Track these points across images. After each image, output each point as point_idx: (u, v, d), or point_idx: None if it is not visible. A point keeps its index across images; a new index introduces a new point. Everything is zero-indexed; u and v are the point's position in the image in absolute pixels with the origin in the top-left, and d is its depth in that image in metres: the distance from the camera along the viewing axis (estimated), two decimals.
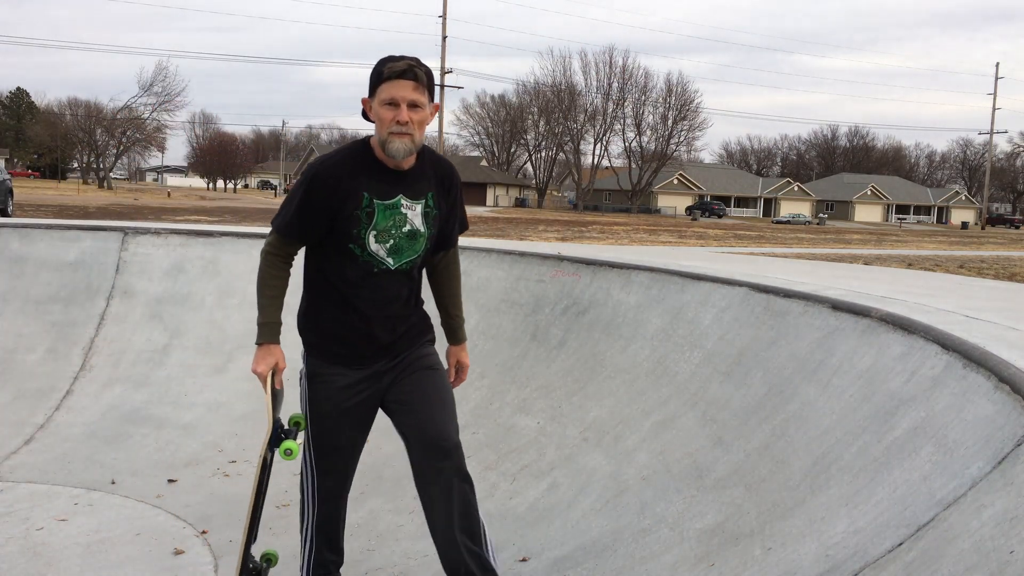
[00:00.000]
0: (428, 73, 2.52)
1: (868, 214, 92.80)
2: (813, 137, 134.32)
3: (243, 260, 5.98)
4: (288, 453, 2.56)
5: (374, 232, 2.53)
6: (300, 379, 2.82)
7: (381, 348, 2.67)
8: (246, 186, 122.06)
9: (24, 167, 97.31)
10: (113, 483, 4.11)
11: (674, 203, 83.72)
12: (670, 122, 79.05)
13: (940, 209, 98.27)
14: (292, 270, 2.71)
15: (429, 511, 2.65)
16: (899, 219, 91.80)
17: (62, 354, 5.37)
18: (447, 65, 52.60)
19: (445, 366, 2.86)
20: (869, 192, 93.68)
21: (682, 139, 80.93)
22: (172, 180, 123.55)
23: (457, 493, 2.58)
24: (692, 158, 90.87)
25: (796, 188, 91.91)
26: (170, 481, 4.15)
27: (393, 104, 2.44)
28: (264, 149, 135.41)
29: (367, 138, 2.60)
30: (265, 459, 2.65)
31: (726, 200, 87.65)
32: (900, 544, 2.07)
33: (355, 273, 2.58)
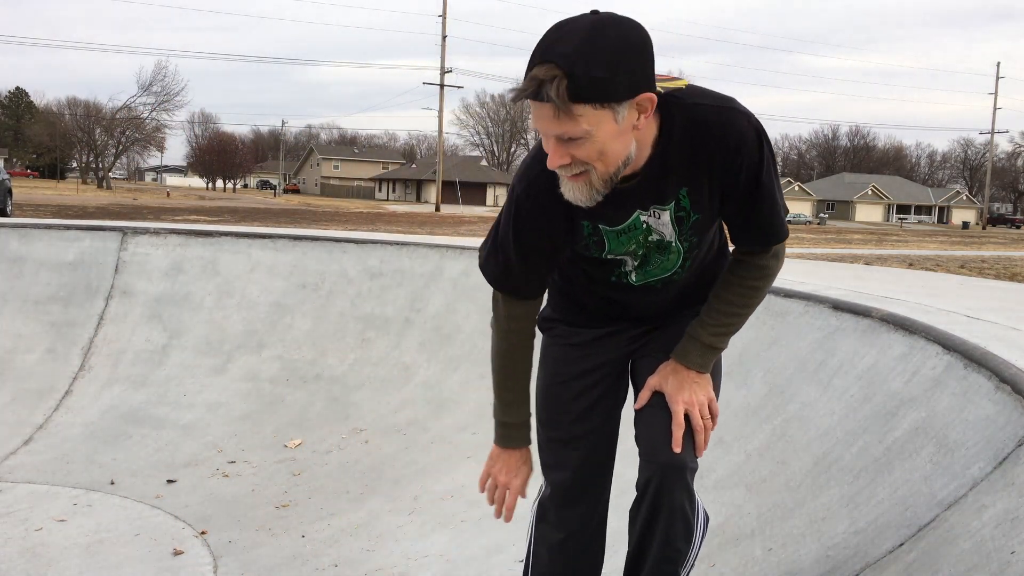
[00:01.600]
0: (581, 79, 1.48)
1: (869, 214, 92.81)
2: (814, 137, 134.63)
3: (242, 260, 5.98)
4: None
5: (608, 255, 1.86)
6: None
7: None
8: (245, 186, 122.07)
9: (23, 167, 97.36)
10: (112, 483, 4.10)
11: None
12: None
13: (941, 209, 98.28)
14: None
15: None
16: (900, 219, 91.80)
17: (61, 354, 5.37)
18: (447, 65, 52.64)
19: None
20: (870, 192, 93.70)
21: None
22: (171, 180, 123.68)
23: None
24: None
25: (797, 188, 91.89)
26: (169, 481, 4.15)
27: (544, 136, 1.60)
28: (264, 149, 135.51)
29: None
30: None
31: None
32: (901, 545, 2.06)
33: None
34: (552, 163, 1.59)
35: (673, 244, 1.81)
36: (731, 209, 1.77)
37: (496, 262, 1.90)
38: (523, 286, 1.92)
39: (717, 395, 1.94)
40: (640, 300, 1.95)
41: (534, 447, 2.14)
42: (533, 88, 1.50)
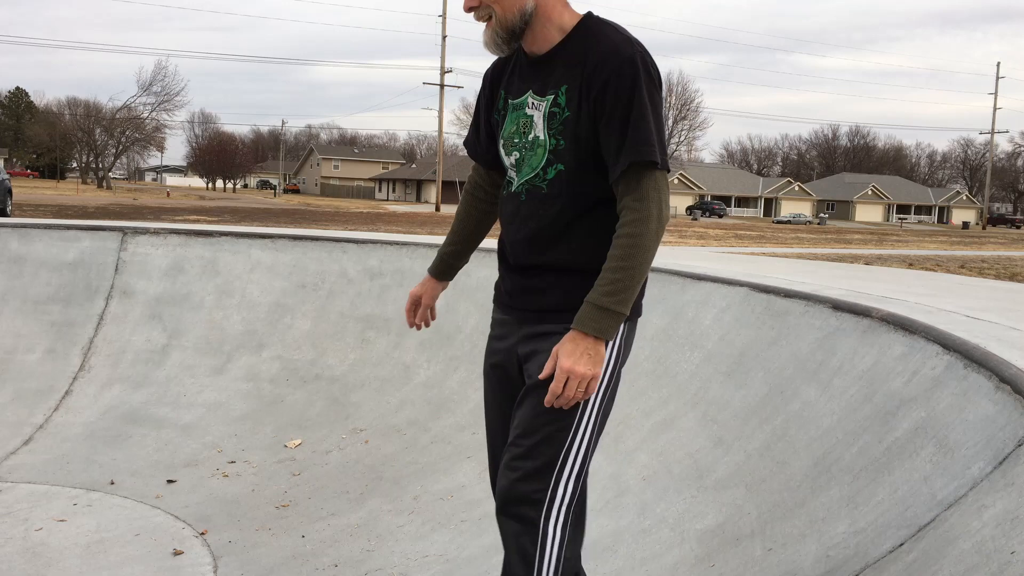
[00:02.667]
0: None
1: (869, 214, 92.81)
2: (814, 137, 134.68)
3: (242, 260, 5.98)
4: None
5: (502, 141, 2.06)
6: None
7: (506, 294, 2.10)
8: (245, 186, 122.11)
9: (23, 167, 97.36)
10: (112, 483, 4.10)
11: (675, 203, 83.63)
12: (671, 122, 79.20)
13: (941, 209, 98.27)
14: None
15: None
16: (900, 219, 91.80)
17: (61, 354, 5.37)
18: (447, 65, 52.63)
19: None
20: (870, 192, 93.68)
21: (683, 139, 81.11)
22: (171, 180, 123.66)
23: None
24: (693, 158, 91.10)
25: (797, 188, 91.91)
26: (169, 481, 4.15)
27: None
28: (263, 149, 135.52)
29: None
30: None
31: (727, 200, 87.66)
32: (901, 545, 2.06)
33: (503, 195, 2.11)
34: (465, 5, 1.92)
35: (541, 138, 1.94)
36: (602, 126, 1.86)
37: (469, 131, 2.23)
38: (476, 149, 2.21)
39: (605, 383, 1.93)
40: (513, 224, 2.03)
41: None
42: None
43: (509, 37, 1.92)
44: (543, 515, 1.89)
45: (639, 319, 2.03)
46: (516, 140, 2.00)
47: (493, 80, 2.09)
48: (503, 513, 1.93)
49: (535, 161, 1.95)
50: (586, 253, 1.93)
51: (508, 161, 2.04)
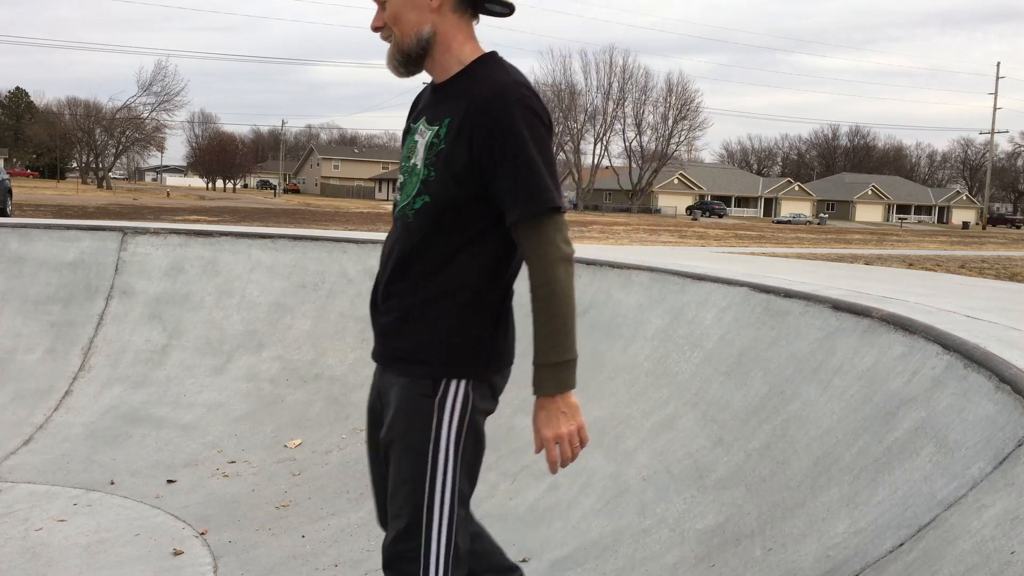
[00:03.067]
0: None
1: (869, 214, 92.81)
2: (814, 137, 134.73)
3: (242, 260, 5.98)
4: None
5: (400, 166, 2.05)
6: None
7: (376, 336, 2.01)
8: (245, 186, 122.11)
9: (23, 167, 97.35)
10: (112, 483, 4.10)
11: (674, 203, 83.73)
12: (670, 122, 79.16)
13: (941, 209, 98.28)
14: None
15: None
16: (900, 219, 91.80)
17: (61, 354, 5.37)
18: None
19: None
20: (870, 192, 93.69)
21: (682, 139, 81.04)
22: (171, 180, 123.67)
23: None
24: (692, 158, 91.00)
25: (797, 188, 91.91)
26: (169, 481, 4.15)
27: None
28: (263, 149, 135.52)
29: None
30: None
31: (727, 200, 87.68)
32: (901, 545, 2.06)
33: None
34: (371, 25, 1.93)
35: (418, 167, 1.90)
36: (489, 170, 1.81)
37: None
38: None
39: (447, 433, 1.88)
40: (384, 249, 2.00)
41: None
42: None
43: (405, 60, 1.91)
44: (421, 571, 1.88)
45: (501, 369, 1.96)
46: (403, 164, 1.98)
47: (413, 102, 2.09)
48: (387, 569, 1.94)
49: (409, 189, 1.92)
50: (435, 300, 1.87)
51: (398, 183, 2.02)
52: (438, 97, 1.92)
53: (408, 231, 1.90)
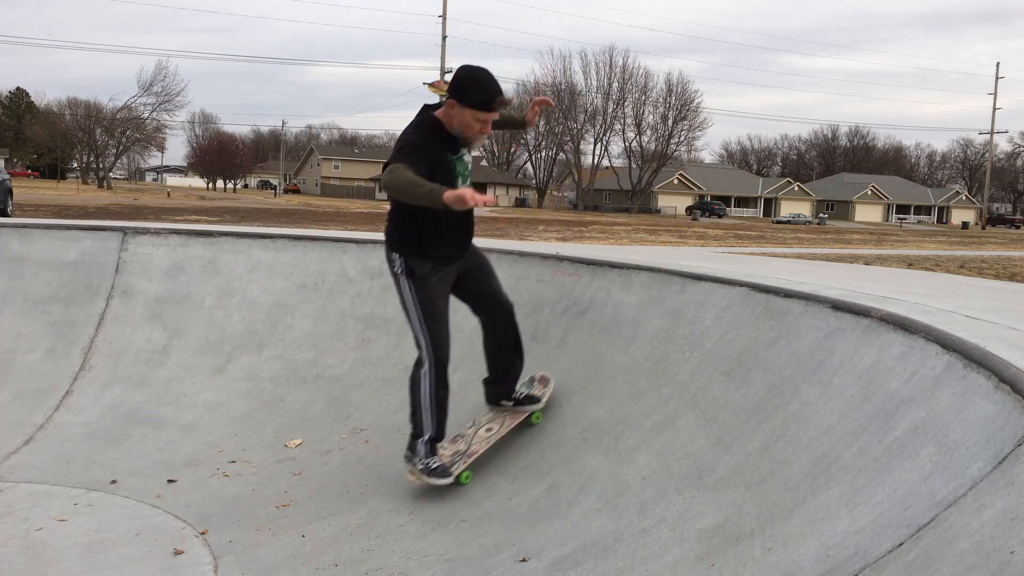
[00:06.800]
0: None
1: (868, 214, 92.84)
2: (813, 137, 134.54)
3: (243, 260, 5.98)
4: None
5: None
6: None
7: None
8: (246, 186, 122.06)
9: (23, 167, 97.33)
10: (113, 483, 4.10)
11: (674, 203, 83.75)
12: (670, 122, 79.07)
13: (940, 209, 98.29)
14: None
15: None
16: (899, 219, 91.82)
17: (62, 354, 5.37)
18: (447, 65, 52.60)
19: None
20: (869, 192, 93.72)
21: (682, 139, 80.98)
22: (171, 180, 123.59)
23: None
24: (692, 158, 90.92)
25: (796, 188, 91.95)
26: (170, 481, 4.15)
27: (485, 124, 3.70)
28: (264, 149, 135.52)
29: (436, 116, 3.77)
30: None
31: (726, 200, 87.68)
32: (900, 544, 2.06)
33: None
34: (488, 131, 3.77)
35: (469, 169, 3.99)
36: None
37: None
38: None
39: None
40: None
41: None
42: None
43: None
44: (422, 359, 3.84)
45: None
46: (464, 171, 3.92)
47: (438, 137, 3.82)
48: (416, 366, 3.87)
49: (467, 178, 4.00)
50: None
51: (460, 177, 3.89)
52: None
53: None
